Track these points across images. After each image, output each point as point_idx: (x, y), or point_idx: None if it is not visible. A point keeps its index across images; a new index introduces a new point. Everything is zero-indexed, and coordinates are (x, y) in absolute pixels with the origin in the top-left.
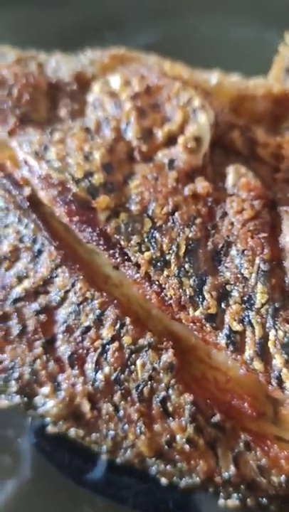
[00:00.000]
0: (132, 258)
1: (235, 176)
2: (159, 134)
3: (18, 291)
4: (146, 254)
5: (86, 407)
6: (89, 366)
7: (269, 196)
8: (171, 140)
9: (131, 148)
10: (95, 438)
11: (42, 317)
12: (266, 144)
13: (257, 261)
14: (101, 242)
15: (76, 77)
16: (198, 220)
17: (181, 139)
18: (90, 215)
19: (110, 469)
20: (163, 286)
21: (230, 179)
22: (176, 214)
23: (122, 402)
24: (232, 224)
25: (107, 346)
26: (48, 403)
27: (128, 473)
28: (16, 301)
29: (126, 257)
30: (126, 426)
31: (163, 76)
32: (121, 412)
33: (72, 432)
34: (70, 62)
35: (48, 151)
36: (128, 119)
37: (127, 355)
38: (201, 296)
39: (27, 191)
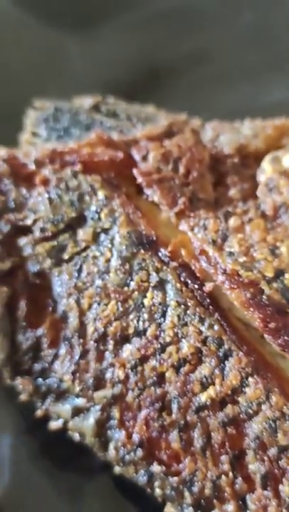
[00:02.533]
0: None
1: None
2: None
3: (202, 399)
4: None
5: None
6: (285, 489)
7: None
8: None
9: None
10: None
11: (230, 429)
12: None
13: None
14: None
15: (239, 149)
16: None
17: None
18: (286, 321)
19: None
20: None
21: None
22: None
23: None
24: None
25: None
26: None
27: None
28: (199, 409)
29: None
30: None
31: None
32: None
33: None
34: (228, 131)
35: (228, 241)
36: None
37: None
38: None
39: (209, 287)
